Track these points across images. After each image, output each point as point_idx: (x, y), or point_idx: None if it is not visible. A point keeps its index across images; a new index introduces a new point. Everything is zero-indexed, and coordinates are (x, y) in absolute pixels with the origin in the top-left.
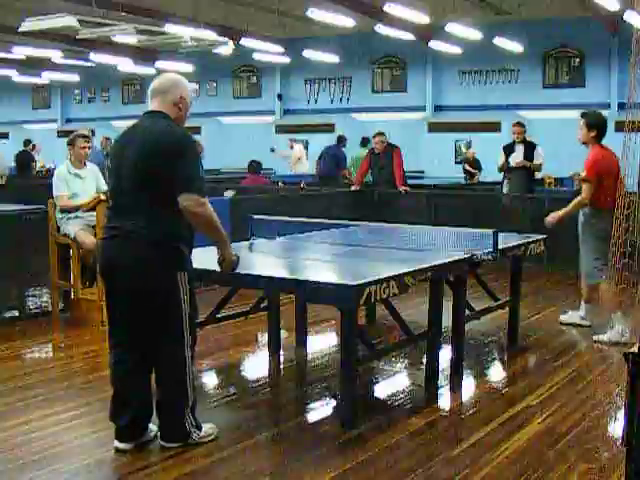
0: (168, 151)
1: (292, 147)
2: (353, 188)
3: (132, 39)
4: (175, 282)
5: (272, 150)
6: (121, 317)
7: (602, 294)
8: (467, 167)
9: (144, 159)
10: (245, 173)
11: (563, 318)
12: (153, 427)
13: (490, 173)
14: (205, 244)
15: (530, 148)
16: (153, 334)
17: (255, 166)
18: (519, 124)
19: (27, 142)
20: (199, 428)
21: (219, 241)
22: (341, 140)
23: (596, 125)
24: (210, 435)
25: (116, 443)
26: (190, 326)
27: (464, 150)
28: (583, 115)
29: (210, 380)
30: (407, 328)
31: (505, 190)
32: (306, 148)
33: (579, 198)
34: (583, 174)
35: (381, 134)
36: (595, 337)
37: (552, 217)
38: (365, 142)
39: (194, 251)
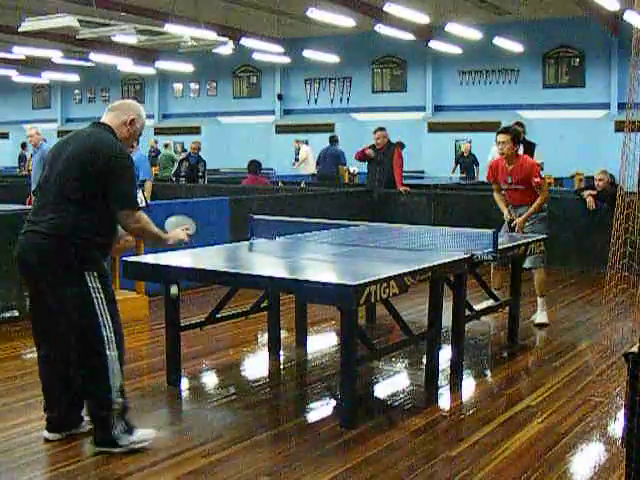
0: (105, 164)
1: (299, 147)
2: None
3: (132, 39)
4: (83, 280)
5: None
6: (36, 314)
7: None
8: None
9: (78, 163)
10: (245, 173)
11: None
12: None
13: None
14: (204, 244)
15: (530, 147)
16: (68, 334)
17: (255, 166)
18: (519, 124)
19: (24, 145)
20: (130, 432)
21: (158, 241)
22: (334, 139)
23: (518, 138)
24: (144, 441)
25: (45, 433)
26: (112, 325)
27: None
28: (506, 131)
29: (210, 380)
30: (407, 328)
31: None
32: None
33: (542, 198)
34: (537, 179)
35: (382, 129)
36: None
37: (522, 219)
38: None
39: (194, 251)
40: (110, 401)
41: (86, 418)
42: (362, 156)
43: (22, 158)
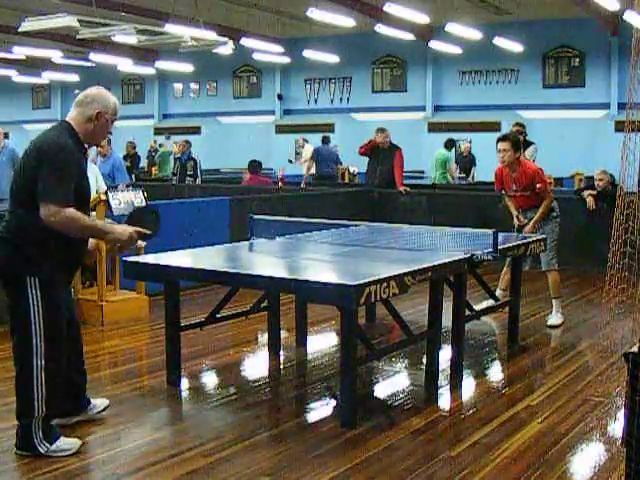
0: (35, 159)
1: (302, 146)
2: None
3: (132, 39)
4: (23, 285)
5: (290, 162)
6: None
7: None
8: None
9: (22, 164)
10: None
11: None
12: (98, 402)
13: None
14: (204, 244)
15: (529, 147)
16: (10, 332)
17: (255, 166)
18: (518, 124)
19: None
20: (49, 442)
21: (97, 235)
22: (327, 139)
23: (519, 145)
24: (65, 451)
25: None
26: (45, 335)
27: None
28: (505, 138)
29: (210, 380)
30: (407, 328)
31: None
32: None
33: (548, 201)
34: (540, 185)
35: (384, 130)
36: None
37: (530, 226)
38: (451, 144)
39: (194, 251)
40: (32, 409)
41: (93, 401)
42: (368, 148)
43: None
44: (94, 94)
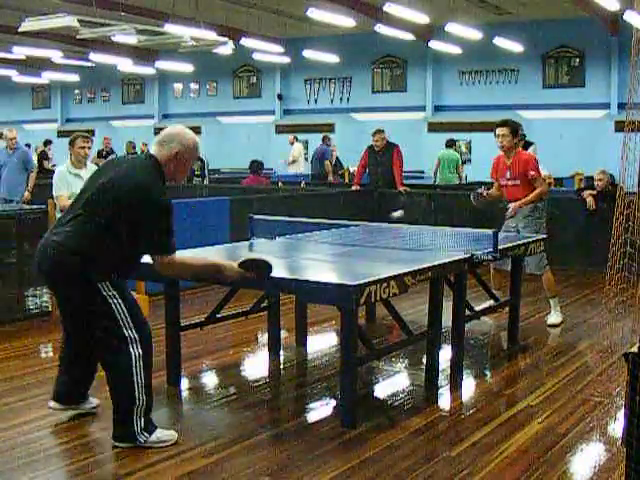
0: (142, 203)
1: (292, 143)
2: (354, 188)
3: (132, 39)
4: (96, 289)
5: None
6: (61, 311)
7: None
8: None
9: (113, 193)
10: (246, 173)
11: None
12: (94, 400)
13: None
14: (204, 244)
15: (527, 147)
16: (92, 334)
17: (256, 166)
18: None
19: (47, 142)
20: (150, 432)
21: (215, 275)
22: (326, 138)
23: (517, 131)
24: (165, 442)
25: (50, 402)
26: (135, 324)
27: (464, 150)
28: (504, 123)
29: (210, 380)
30: (407, 328)
31: None
32: (306, 148)
33: (540, 190)
34: (533, 172)
35: (380, 131)
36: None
37: (513, 209)
38: (452, 144)
39: (194, 251)
40: (133, 398)
41: (91, 399)
42: (362, 172)
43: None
44: (177, 133)
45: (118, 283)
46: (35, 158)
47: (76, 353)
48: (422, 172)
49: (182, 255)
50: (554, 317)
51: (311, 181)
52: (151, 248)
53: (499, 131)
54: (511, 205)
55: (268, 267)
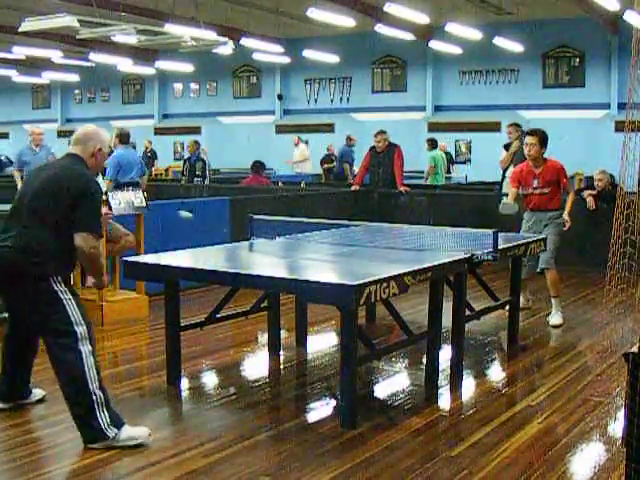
0: (74, 190)
1: (297, 144)
2: (353, 188)
3: (132, 39)
4: (50, 285)
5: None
6: (10, 313)
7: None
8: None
9: (51, 192)
10: (246, 173)
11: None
12: (37, 392)
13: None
14: (204, 244)
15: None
16: (40, 332)
17: (258, 166)
18: (516, 125)
19: None
20: (117, 426)
21: (95, 275)
22: (348, 139)
23: (546, 141)
24: (136, 438)
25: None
26: (84, 321)
27: (464, 150)
28: (534, 133)
29: (210, 380)
30: (407, 328)
31: (504, 190)
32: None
33: (574, 197)
34: (565, 180)
35: (382, 132)
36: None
37: (567, 221)
38: (434, 144)
39: (194, 251)
40: (90, 393)
41: (35, 390)
42: (363, 173)
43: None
44: (90, 131)
45: (66, 279)
46: None
47: (20, 352)
48: (422, 172)
49: (100, 248)
50: (556, 317)
51: (311, 181)
52: (83, 224)
53: (528, 140)
54: (565, 218)
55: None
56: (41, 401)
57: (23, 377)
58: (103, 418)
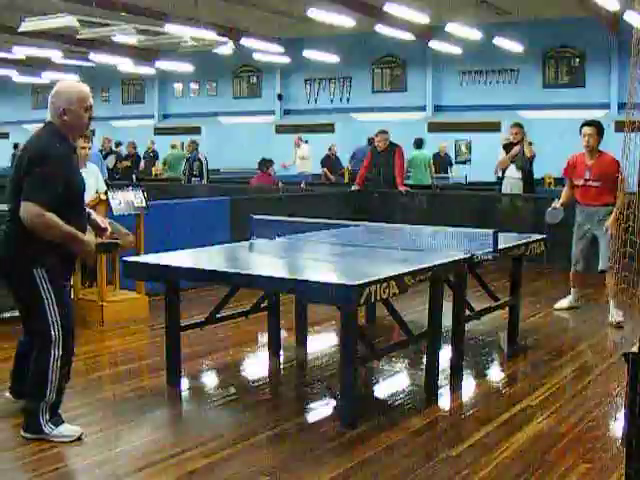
0: (27, 160)
1: (298, 145)
2: (354, 188)
3: (132, 39)
4: (33, 278)
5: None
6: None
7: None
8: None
9: (16, 166)
10: (245, 173)
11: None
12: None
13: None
14: (204, 244)
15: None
16: (24, 319)
17: (265, 164)
18: (518, 125)
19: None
20: (55, 424)
21: (67, 241)
22: (371, 140)
23: (603, 132)
24: (68, 436)
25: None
26: (61, 324)
27: (464, 150)
28: (591, 123)
29: (210, 380)
30: (407, 328)
31: (505, 190)
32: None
33: (623, 195)
34: (618, 175)
35: (384, 132)
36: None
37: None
38: (420, 144)
39: (194, 250)
40: (43, 394)
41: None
42: (364, 175)
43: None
44: (57, 90)
45: (54, 276)
46: None
47: (25, 348)
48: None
49: (52, 214)
50: (617, 315)
51: (311, 181)
52: (25, 192)
53: (585, 130)
54: (607, 224)
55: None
56: None
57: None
58: (44, 417)
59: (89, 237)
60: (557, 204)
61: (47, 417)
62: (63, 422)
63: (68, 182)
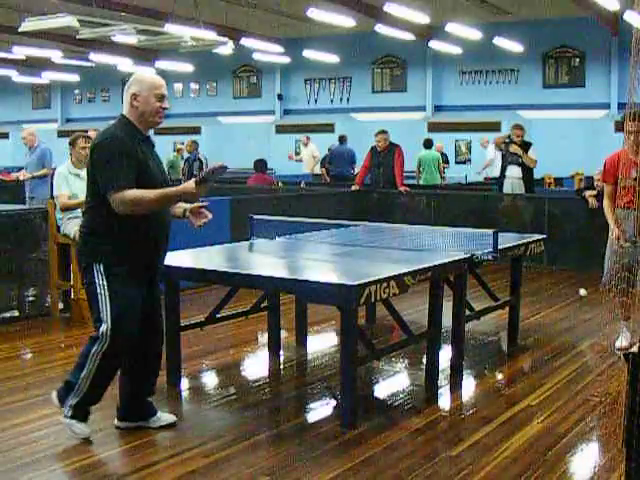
0: (94, 154)
1: (306, 144)
2: (354, 188)
3: (132, 39)
4: (92, 272)
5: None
6: None
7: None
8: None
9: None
10: (245, 173)
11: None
12: (166, 416)
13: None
14: (204, 244)
15: (525, 147)
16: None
17: (261, 165)
18: (518, 127)
19: None
20: (72, 417)
21: (169, 202)
22: (344, 139)
23: None
24: (75, 433)
25: (115, 421)
26: (111, 323)
27: (464, 150)
28: (637, 118)
29: (210, 380)
30: (407, 328)
31: (506, 189)
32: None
33: None
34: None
35: (383, 132)
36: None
37: None
38: (429, 144)
39: (194, 250)
40: (77, 378)
41: (159, 414)
42: (364, 173)
43: None
44: (130, 80)
45: (110, 270)
46: None
47: (133, 363)
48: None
49: (132, 191)
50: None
51: (333, 182)
52: (102, 189)
53: (631, 127)
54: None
55: (223, 167)
56: (168, 427)
57: (130, 391)
58: (71, 400)
59: (184, 186)
60: (616, 236)
61: (72, 402)
62: (83, 420)
63: (140, 169)
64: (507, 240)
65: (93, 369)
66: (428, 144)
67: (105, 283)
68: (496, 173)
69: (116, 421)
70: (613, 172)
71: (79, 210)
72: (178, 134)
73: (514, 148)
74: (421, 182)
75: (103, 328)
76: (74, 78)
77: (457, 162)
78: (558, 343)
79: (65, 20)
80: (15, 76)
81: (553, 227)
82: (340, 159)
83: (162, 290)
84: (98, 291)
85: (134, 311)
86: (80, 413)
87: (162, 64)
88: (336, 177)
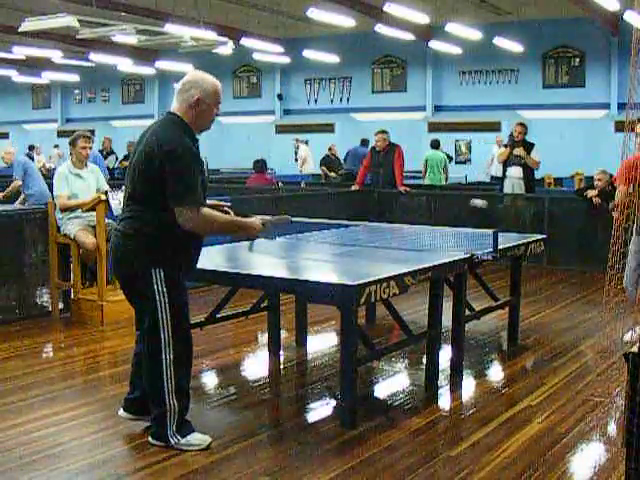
0: (159, 159)
1: (297, 147)
2: (354, 188)
3: (132, 39)
4: (150, 278)
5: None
6: (131, 305)
7: None
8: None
9: (141, 160)
10: (246, 173)
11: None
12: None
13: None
14: (204, 244)
15: (528, 147)
16: (140, 322)
17: (260, 165)
18: (521, 125)
19: (31, 147)
20: (183, 435)
21: (234, 232)
22: (365, 142)
23: None
24: (195, 445)
25: (119, 411)
26: (173, 328)
27: (464, 150)
28: None
29: (210, 380)
30: (407, 328)
31: (507, 189)
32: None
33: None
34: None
35: (383, 132)
36: None
37: None
38: (437, 144)
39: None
40: (163, 403)
41: None
42: (365, 173)
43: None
44: (193, 78)
45: (171, 275)
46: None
47: (139, 354)
48: (419, 172)
49: (208, 211)
50: None
51: (348, 181)
52: (172, 199)
53: None
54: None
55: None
56: None
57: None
58: (171, 428)
59: (252, 222)
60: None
61: (174, 428)
62: (192, 431)
63: (202, 177)
64: (507, 240)
65: (173, 380)
66: (436, 144)
67: (165, 290)
68: (498, 173)
69: (121, 411)
70: (630, 175)
71: (79, 210)
72: None
73: (519, 151)
74: (426, 182)
75: (165, 335)
76: (74, 78)
77: (457, 162)
78: (558, 343)
79: (65, 20)
80: (15, 76)
81: (553, 227)
82: (354, 159)
83: None
84: (157, 298)
85: (188, 316)
86: (184, 428)
87: (162, 64)
88: (347, 175)
